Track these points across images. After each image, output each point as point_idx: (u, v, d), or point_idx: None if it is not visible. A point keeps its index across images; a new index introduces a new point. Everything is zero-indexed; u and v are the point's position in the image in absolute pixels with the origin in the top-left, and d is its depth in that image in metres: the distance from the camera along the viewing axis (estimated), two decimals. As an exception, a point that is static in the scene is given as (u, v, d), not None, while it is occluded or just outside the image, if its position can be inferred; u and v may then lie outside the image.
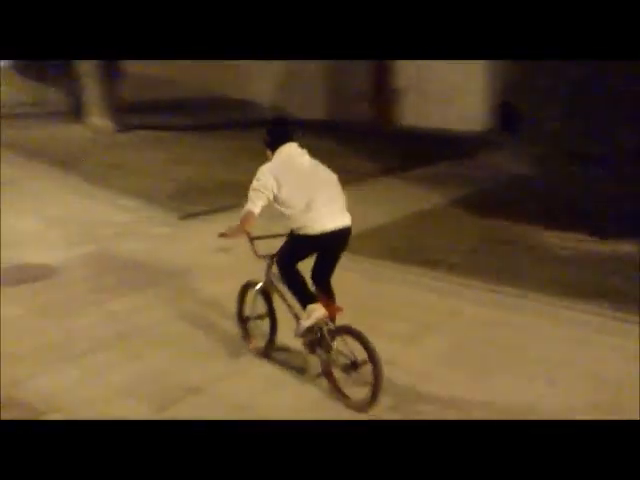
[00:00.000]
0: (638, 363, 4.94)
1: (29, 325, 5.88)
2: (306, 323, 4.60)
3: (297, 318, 4.79)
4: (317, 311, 4.54)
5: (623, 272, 6.87)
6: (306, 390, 4.78)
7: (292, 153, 4.58)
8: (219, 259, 7.41)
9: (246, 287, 5.29)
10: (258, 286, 5.10)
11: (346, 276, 7.02)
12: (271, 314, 5.10)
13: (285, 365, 5.11)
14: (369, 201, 10.43)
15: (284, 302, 4.95)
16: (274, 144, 4.60)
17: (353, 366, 4.43)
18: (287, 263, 4.63)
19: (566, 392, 4.71)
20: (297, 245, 4.56)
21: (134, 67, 17.26)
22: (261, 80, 20.43)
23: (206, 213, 9.12)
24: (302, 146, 4.71)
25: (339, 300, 4.81)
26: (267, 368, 5.11)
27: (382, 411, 4.44)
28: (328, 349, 4.56)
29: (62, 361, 5.21)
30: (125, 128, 15.66)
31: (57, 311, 6.18)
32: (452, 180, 11.73)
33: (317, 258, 4.67)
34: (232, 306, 5.50)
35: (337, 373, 4.62)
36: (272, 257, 4.84)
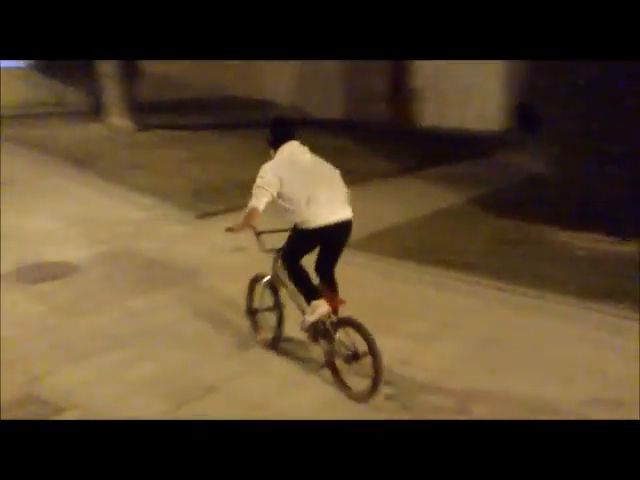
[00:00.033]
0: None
1: (48, 323, 5.95)
2: (311, 318, 4.74)
3: (303, 311, 4.90)
4: (321, 307, 4.67)
5: (640, 273, 6.82)
6: (322, 390, 4.79)
7: (294, 151, 4.72)
8: (235, 258, 7.44)
9: (255, 280, 5.42)
10: (265, 279, 5.24)
11: (362, 275, 7.08)
12: (278, 307, 5.22)
13: (298, 362, 5.12)
14: (386, 200, 10.45)
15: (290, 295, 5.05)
16: (276, 143, 4.77)
17: (354, 357, 4.55)
18: (291, 258, 4.77)
19: (581, 393, 4.68)
20: (300, 239, 4.68)
21: (153, 67, 17.34)
22: (279, 80, 20.48)
23: (223, 212, 9.15)
24: (303, 144, 4.82)
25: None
26: (283, 367, 5.13)
27: (396, 411, 4.46)
28: (331, 340, 4.70)
29: (80, 358, 5.26)
30: (144, 127, 15.75)
31: (75, 309, 6.24)
32: (469, 179, 11.71)
33: (320, 251, 4.77)
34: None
35: (339, 364, 4.74)
36: (278, 251, 4.97)
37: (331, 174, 4.78)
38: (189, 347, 5.49)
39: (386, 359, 5.00)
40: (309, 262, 4.84)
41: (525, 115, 15.20)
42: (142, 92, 16.51)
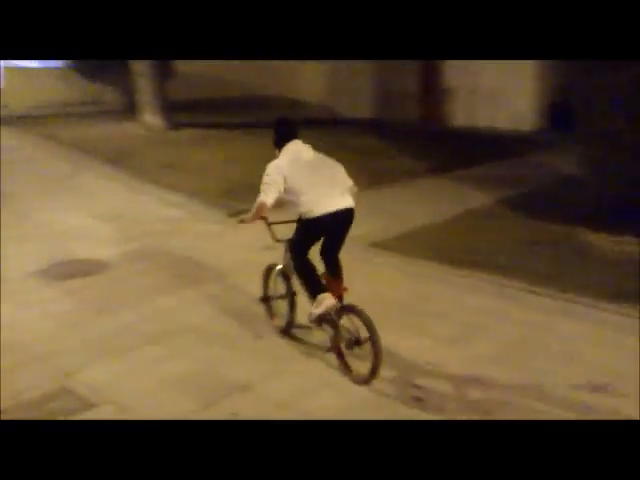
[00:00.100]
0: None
1: (80, 319, 6.03)
2: (317, 311, 4.98)
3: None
4: (327, 300, 4.92)
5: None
6: (352, 391, 4.77)
7: (297, 149, 5.05)
8: (265, 257, 7.40)
9: (269, 269, 5.69)
10: (278, 268, 5.51)
11: (392, 276, 7.07)
12: (290, 294, 5.45)
13: (328, 362, 5.12)
14: (415, 201, 10.41)
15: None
16: (280, 142, 5.12)
17: (356, 343, 4.79)
18: (299, 249, 5.04)
19: (615, 399, 4.60)
20: (305, 229, 4.98)
21: (185, 66, 17.52)
22: (310, 79, 20.53)
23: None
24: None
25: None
26: (314, 367, 5.13)
27: (424, 412, 4.43)
28: (335, 326, 4.93)
29: (111, 355, 5.32)
30: (176, 126, 15.92)
31: (107, 306, 6.32)
32: (499, 180, 11.59)
33: (324, 238, 5.06)
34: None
35: (343, 349, 4.97)
36: (289, 241, 5.22)
37: (333, 168, 5.06)
38: (218, 345, 5.51)
39: (416, 360, 4.98)
40: (314, 255, 5.05)
41: (560, 114, 15.03)
42: (174, 91, 16.68)
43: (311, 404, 4.57)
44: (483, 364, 5.12)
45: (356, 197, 5.10)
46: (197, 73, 18.30)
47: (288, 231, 5.17)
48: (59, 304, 6.34)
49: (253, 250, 7.68)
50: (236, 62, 15.04)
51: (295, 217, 5.06)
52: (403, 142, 14.60)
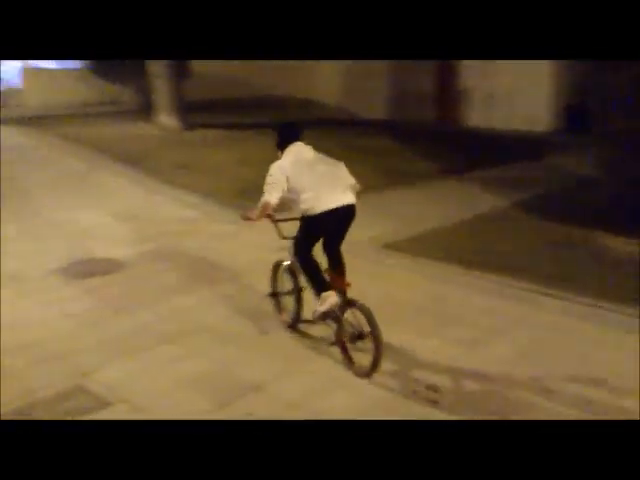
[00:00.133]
0: None
1: (97, 318, 6.08)
2: (321, 309, 5.14)
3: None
4: (331, 298, 5.08)
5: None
6: (367, 392, 4.78)
7: (299, 150, 5.22)
8: (280, 257, 7.47)
9: (277, 266, 5.85)
10: (285, 264, 5.66)
11: (406, 277, 7.06)
12: (297, 290, 5.60)
13: (342, 363, 5.13)
14: (430, 202, 10.40)
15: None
16: (283, 144, 5.32)
17: (359, 337, 4.94)
18: (303, 246, 5.20)
19: (634, 403, 4.58)
20: (308, 226, 5.14)
21: (201, 67, 17.60)
22: (326, 80, 20.55)
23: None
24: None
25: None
26: (327, 367, 5.14)
27: (444, 414, 4.44)
28: (338, 321, 5.09)
29: (128, 354, 5.36)
30: (191, 126, 15.99)
31: (123, 305, 6.37)
32: (515, 182, 11.55)
33: (326, 234, 5.20)
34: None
35: (347, 342, 5.11)
36: (294, 238, 5.34)
37: (334, 167, 5.21)
38: (233, 345, 5.55)
39: (430, 361, 4.98)
40: (317, 251, 5.18)
41: (576, 115, 14.96)
42: (190, 91, 16.77)
43: (324, 404, 4.59)
44: (499, 366, 5.11)
45: (359, 194, 5.20)
46: (213, 74, 18.39)
47: (295, 228, 5.27)
48: (78, 303, 6.40)
49: (268, 250, 7.66)
50: (252, 63, 15.16)
51: (297, 215, 5.21)
52: (418, 143, 14.57)
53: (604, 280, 6.76)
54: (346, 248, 5.24)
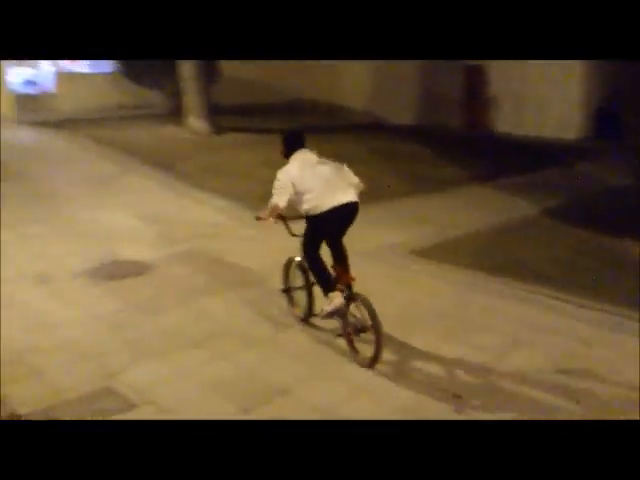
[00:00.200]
0: None
1: (124, 319, 6.14)
2: (328, 309, 5.39)
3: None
4: (337, 299, 5.33)
5: None
6: (390, 397, 4.78)
7: (303, 157, 5.50)
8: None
9: (289, 262, 6.11)
10: (296, 260, 5.92)
11: (431, 284, 7.04)
12: (308, 285, 5.86)
13: (370, 370, 5.13)
14: (457, 209, 10.35)
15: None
16: (288, 152, 5.60)
17: (362, 329, 5.24)
18: (309, 247, 5.48)
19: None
20: (312, 226, 5.44)
21: (231, 70, 17.71)
22: (353, 84, 20.56)
23: (296, 216, 9.22)
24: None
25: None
26: (353, 372, 5.15)
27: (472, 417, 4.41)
28: (344, 315, 5.37)
29: (154, 356, 5.42)
30: (219, 130, 16.10)
31: (150, 307, 6.42)
32: (544, 189, 11.45)
33: (329, 230, 5.44)
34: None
35: (352, 335, 5.37)
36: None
37: (336, 169, 5.47)
38: (260, 349, 5.57)
39: (453, 367, 4.96)
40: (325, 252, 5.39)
41: (607, 121, 14.78)
42: (220, 95, 16.88)
43: (349, 409, 4.59)
44: (528, 379, 5.05)
45: (362, 193, 5.45)
46: (242, 77, 18.51)
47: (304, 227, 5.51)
48: (106, 304, 6.47)
49: (294, 254, 7.73)
50: (281, 67, 15.21)
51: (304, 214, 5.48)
52: (446, 149, 14.51)
53: (633, 290, 6.66)
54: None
